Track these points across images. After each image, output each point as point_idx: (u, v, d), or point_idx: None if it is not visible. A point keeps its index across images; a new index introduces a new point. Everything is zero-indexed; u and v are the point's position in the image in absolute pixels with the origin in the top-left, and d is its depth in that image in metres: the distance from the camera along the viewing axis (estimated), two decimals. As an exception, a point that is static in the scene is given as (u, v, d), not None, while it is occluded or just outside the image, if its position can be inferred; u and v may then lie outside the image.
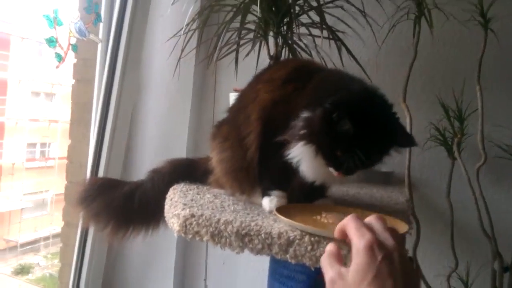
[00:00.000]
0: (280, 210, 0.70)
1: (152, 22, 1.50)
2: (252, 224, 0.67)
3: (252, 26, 1.14)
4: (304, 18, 1.11)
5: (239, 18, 1.09)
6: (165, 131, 1.57)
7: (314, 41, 1.17)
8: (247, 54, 1.16)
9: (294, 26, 1.07)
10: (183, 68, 1.25)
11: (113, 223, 0.95)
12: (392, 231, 0.52)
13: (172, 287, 1.58)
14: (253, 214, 0.73)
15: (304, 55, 1.15)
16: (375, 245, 0.49)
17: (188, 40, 1.16)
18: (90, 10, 1.36)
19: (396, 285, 0.47)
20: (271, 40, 1.12)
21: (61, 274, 1.60)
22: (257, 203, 0.79)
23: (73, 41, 1.33)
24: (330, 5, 1.12)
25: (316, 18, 1.06)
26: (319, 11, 1.04)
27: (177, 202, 0.77)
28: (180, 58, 1.19)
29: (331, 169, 0.69)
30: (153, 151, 1.54)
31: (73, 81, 1.59)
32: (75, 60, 1.57)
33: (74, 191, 1.08)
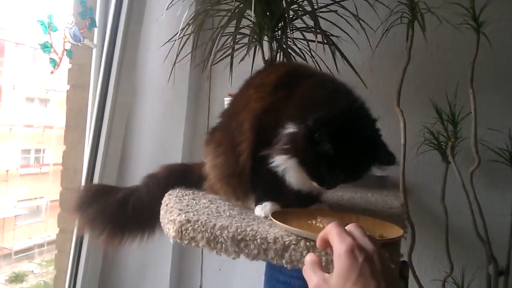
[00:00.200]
0: (276, 215, 0.70)
1: (147, 27, 1.50)
2: (248, 229, 0.67)
3: (247, 31, 1.14)
4: (298, 23, 1.11)
5: (234, 22, 1.09)
6: (160, 136, 1.57)
7: (308, 45, 1.17)
8: (242, 59, 1.17)
9: (288, 30, 1.07)
10: (178, 73, 1.25)
11: (108, 229, 0.94)
12: (371, 238, 0.54)
13: (168, 293, 1.57)
14: (249, 219, 0.73)
15: (299, 60, 1.15)
16: (356, 248, 0.51)
17: (183, 45, 1.16)
18: (85, 15, 1.35)
19: (379, 285, 0.49)
20: (265, 45, 1.13)
21: (56, 282, 1.58)
22: (252, 208, 0.79)
23: (68, 46, 1.32)
24: (324, 9, 1.13)
25: (310, 23, 1.07)
26: (313, 15, 1.04)
27: (173, 208, 0.76)
28: (175, 63, 1.19)
29: (314, 183, 0.70)
30: (148, 156, 1.53)
31: (67, 87, 1.58)
32: (69, 66, 1.56)
33: (69, 197, 1.07)
